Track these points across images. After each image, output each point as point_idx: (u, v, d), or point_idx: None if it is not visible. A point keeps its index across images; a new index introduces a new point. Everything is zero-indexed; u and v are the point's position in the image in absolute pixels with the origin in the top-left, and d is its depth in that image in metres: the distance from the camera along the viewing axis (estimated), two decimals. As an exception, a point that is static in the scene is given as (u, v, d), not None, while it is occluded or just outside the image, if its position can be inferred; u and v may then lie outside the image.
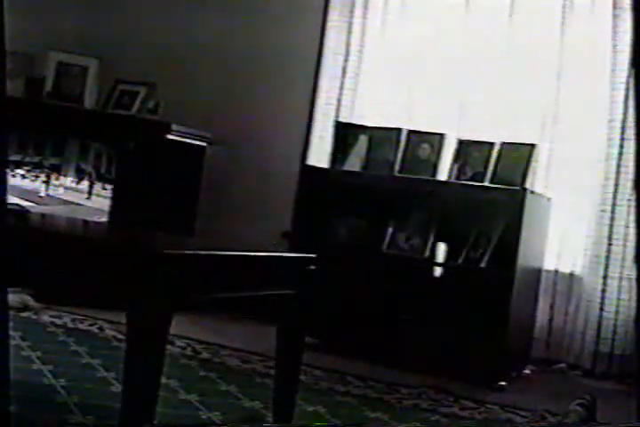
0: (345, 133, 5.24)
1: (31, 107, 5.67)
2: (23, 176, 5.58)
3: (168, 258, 2.39)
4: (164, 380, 2.82)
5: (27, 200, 5.49)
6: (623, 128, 5.01)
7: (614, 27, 5.07)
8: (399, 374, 4.44)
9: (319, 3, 5.94)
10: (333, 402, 3.75)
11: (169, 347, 4.23)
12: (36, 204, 5.50)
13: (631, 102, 4.91)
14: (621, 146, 5.02)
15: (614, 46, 5.06)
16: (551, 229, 5.10)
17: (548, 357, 5.18)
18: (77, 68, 5.98)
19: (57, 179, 5.54)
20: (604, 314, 5.01)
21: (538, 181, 5.13)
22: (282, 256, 3.16)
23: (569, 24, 5.26)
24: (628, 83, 4.99)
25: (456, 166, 4.95)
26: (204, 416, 3.26)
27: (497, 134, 5.13)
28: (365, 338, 4.96)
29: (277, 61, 6.09)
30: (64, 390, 3.37)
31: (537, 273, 5.01)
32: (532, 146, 4.85)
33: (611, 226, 5.02)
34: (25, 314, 4.87)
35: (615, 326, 4.98)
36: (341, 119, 5.66)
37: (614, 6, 5.09)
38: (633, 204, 4.83)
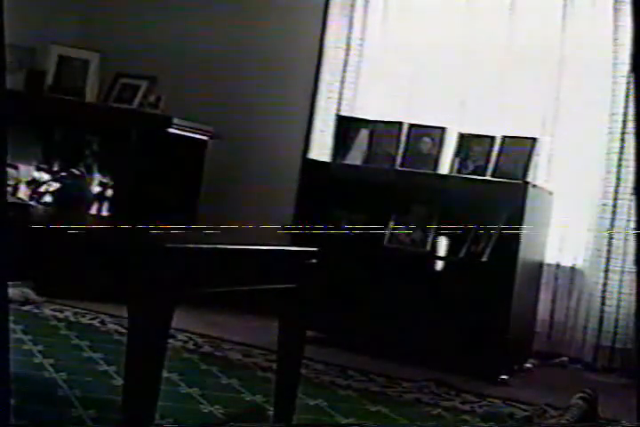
0: (346, 127, 5.24)
1: (32, 100, 5.67)
2: (24, 170, 5.57)
3: (169, 251, 2.39)
4: (165, 373, 2.82)
5: (27, 194, 5.48)
6: (624, 122, 5.01)
7: (615, 20, 5.07)
8: (400, 368, 4.44)
9: (320, -4, 5.94)
10: (334, 396, 3.75)
11: (170, 341, 4.23)
12: (37, 197, 5.50)
13: (632, 97, 4.90)
14: (622, 140, 5.02)
15: (615, 40, 5.06)
16: (553, 223, 5.10)
17: (549, 350, 5.18)
18: (79, 61, 5.97)
19: (58, 172, 5.53)
20: (606, 308, 5.02)
21: (539, 174, 5.14)
22: (283, 250, 3.16)
23: (570, 17, 5.25)
24: (629, 76, 4.98)
25: (457, 160, 4.94)
26: (205, 410, 3.27)
27: (498, 128, 5.13)
28: (366, 332, 4.96)
29: (278, 55, 6.08)
30: (65, 384, 3.37)
31: (538, 267, 5.01)
32: (534, 139, 4.84)
33: (612, 220, 5.02)
34: (26, 308, 4.88)
35: (616, 319, 4.99)
36: (342, 113, 5.66)
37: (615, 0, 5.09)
38: (634, 197, 4.82)
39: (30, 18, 5.80)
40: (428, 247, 4.90)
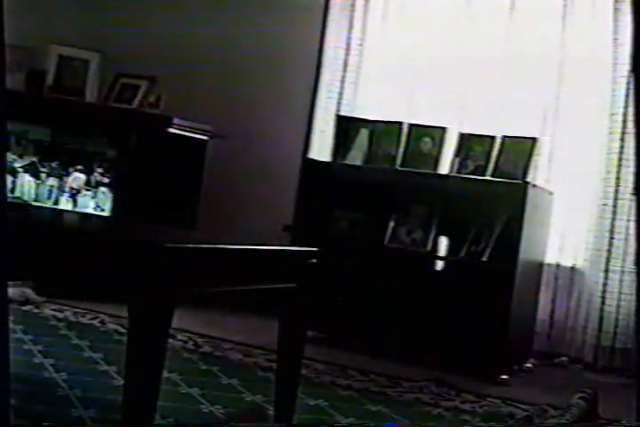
0: (346, 127, 5.24)
1: (32, 100, 5.67)
2: (24, 170, 5.57)
3: (169, 251, 2.38)
4: (165, 373, 2.82)
5: (27, 194, 5.48)
6: (624, 122, 5.01)
7: (615, 20, 5.07)
8: (401, 368, 4.44)
9: (320, -4, 5.94)
10: (335, 396, 3.75)
11: (170, 340, 4.23)
12: (37, 197, 5.50)
13: (632, 97, 4.90)
14: (622, 139, 5.02)
15: (615, 40, 5.06)
16: (553, 223, 5.09)
17: (549, 350, 5.18)
18: (79, 61, 5.98)
19: (58, 172, 5.53)
20: (606, 307, 5.01)
21: (539, 174, 5.13)
22: (283, 250, 3.16)
23: (570, 17, 5.25)
24: (629, 76, 4.98)
25: (458, 160, 4.94)
26: (205, 410, 3.27)
27: (498, 128, 5.13)
28: (367, 332, 4.96)
29: (278, 55, 6.08)
30: (65, 384, 3.37)
31: (538, 267, 5.01)
32: (534, 139, 4.85)
33: (612, 219, 5.02)
34: (26, 307, 4.88)
35: (617, 319, 4.98)
36: (343, 113, 5.65)
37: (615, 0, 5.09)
38: (634, 197, 4.82)
39: (30, 18, 5.80)
40: (429, 247, 4.90)
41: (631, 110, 4.89)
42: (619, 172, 5.01)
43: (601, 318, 5.02)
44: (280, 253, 3.07)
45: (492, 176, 4.80)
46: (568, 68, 5.27)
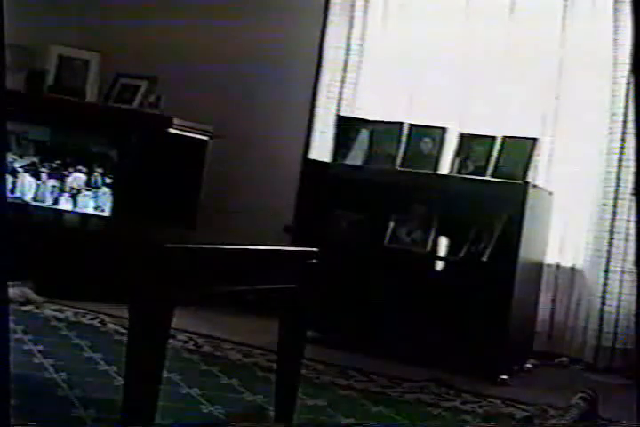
0: (346, 127, 5.24)
1: (32, 100, 5.67)
2: (24, 170, 5.57)
3: (170, 252, 2.38)
4: (165, 374, 2.82)
5: (27, 194, 5.48)
6: (624, 122, 5.01)
7: (615, 20, 5.07)
8: (401, 368, 4.44)
9: (320, -4, 5.94)
10: (335, 396, 3.75)
11: (170, 341, 4.22)
12: (37, 197, 5.50)
13: (632, 97, 4.90)
14: (623, 140, 5.02)
15: (615, 40, 5.06)
16: (553, 223, 5.10)
17: (549, 350, 5.18)
18: (79, 61, 5.98)
19: (58, 172, 5.53)
20: (606, 308, 5.01)
21: (539, 175, 5.14)
22: (283, 250, 3.16)
23: (570, 18, 5.25)
24: (629, 76, 4.98)
25: (458, 160, 4.94)
26: (205, 410, 3.27)
27: (499, 128, 5.13)
28: (367, 332, 4.96)
29: (279, 55, 6.08)
30: (65, 384, 3.37)
31: (538, 267, 5.01)
32: (534, 140, 4.84)
33: (612, 220, 5.02)
34: (26, 308, 4.88)
35: (617, 319, 4.99)
36: (343, 113, 5.65)
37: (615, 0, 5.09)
38: (634, 197, 4.82)
39: (30, 18, 5.80)
40: (429, 247, 4.90)
41: (631, 110, 4.89)
42: (619, 172, 5.02)
43: (601, 319, 5.03)
44: (280, 254, 3.07)
45: (492, 176, 4.80)
46: (568, 67, 5.27)
